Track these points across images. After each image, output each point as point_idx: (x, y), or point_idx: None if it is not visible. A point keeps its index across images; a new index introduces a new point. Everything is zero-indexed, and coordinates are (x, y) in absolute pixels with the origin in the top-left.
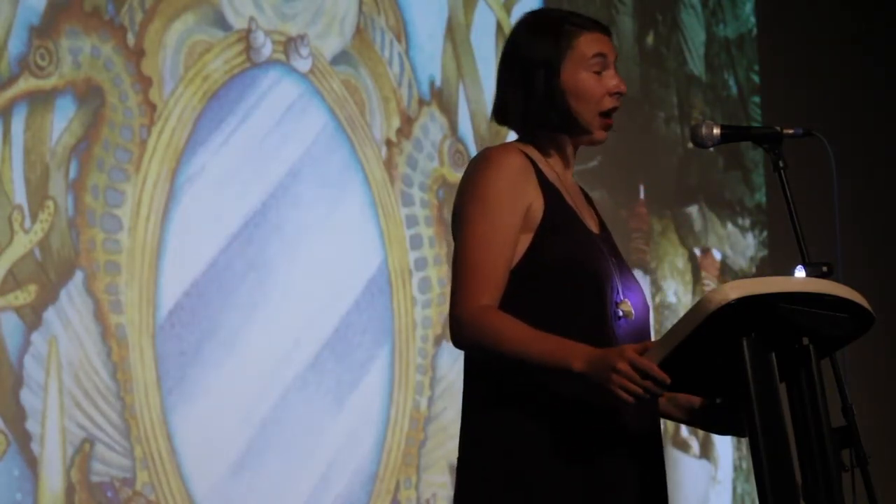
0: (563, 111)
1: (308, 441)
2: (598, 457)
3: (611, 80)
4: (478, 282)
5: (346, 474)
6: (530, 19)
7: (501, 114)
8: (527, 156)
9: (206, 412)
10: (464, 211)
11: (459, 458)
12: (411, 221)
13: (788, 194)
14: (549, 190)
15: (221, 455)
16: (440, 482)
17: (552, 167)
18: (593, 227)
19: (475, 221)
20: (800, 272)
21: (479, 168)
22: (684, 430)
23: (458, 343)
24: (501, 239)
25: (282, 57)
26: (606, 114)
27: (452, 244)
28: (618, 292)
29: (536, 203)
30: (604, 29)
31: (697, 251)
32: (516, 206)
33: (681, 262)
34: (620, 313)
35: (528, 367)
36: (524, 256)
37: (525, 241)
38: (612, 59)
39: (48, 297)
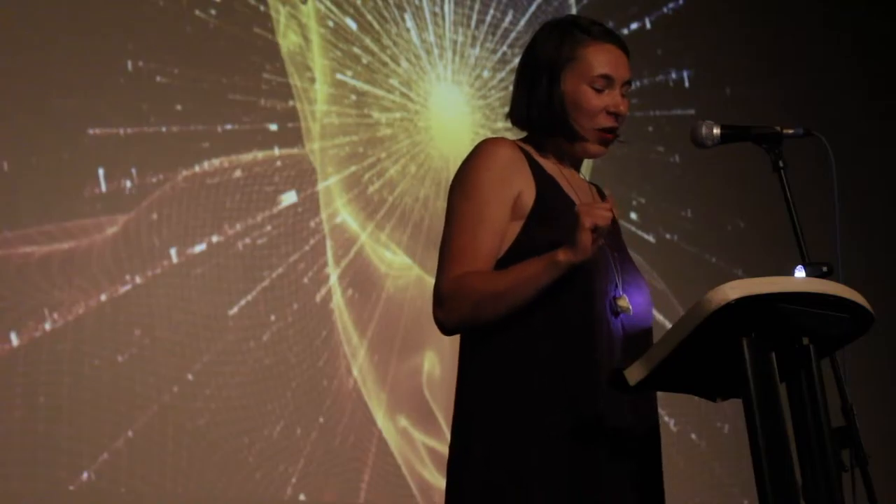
0: (561, 118)
1: None
2: (593, 451)
3: (611, 99)
4: (459, 264)
5: None
6: (552, 21)
7: (510, 112)
8: (522, 149)
9: None
10: (452, 201)
11: (452, 453)
12: None
13: (788, 194)
14: (543, 179)
15: None
16: None
17: (551, 163)
18: None
19: (460, 211)
20: (800, 272)
21: (469, 159)
22: (680, 425)
23: (443, 322)
24: (485, 226)
25: None
26: (605, 129)
27: None
28: (616, 286)
29: (527, 191)
30: (618, 42)
31: None
32: (501, 195)
33: None
34: (617, 308)
35: (517, 297)
36: (514, 242)
37: (515, 228)
38: (620, 80)
39: None
